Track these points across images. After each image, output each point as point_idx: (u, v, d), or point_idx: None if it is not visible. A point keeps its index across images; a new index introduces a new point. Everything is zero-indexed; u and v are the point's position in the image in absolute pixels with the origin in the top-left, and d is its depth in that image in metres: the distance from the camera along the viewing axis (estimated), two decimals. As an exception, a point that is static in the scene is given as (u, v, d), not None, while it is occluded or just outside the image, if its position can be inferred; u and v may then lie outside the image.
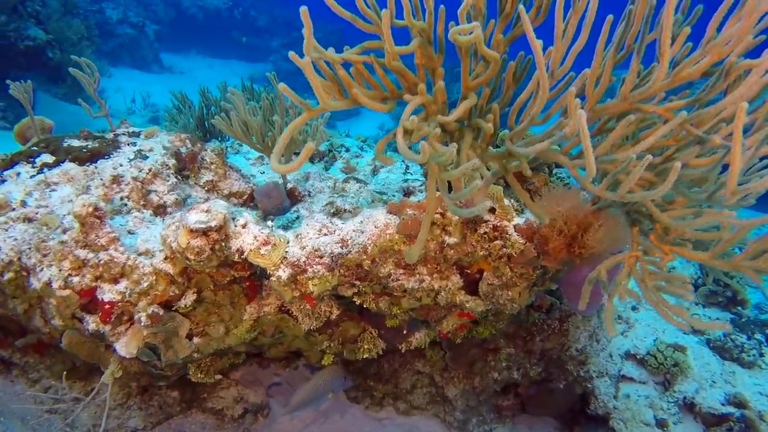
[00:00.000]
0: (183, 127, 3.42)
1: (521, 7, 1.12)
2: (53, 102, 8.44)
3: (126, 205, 2.00)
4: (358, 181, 2.49)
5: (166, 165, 2.16)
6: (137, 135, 2.37)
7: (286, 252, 1.67)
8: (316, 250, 1.68)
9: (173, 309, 1.82)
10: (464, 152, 1.34)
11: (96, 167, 2.11)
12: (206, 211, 1.62)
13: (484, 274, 1.80)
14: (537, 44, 1.11)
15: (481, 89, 1.49)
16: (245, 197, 2.38)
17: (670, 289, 1.31)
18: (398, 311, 1.87)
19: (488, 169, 1.53)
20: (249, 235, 1.66)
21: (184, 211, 1.64)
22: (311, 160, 3.01)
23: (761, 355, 3.32)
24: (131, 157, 2.15)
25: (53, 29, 7.64)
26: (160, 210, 2.05)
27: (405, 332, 2.02)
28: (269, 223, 1.81)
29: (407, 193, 2.26)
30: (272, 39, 17.82)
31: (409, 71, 1.31)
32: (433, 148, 1.17)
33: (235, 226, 1.67)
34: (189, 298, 1.78)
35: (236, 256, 1.66)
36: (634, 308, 3.63)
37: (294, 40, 16.87)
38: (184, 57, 15.23)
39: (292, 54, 1.13)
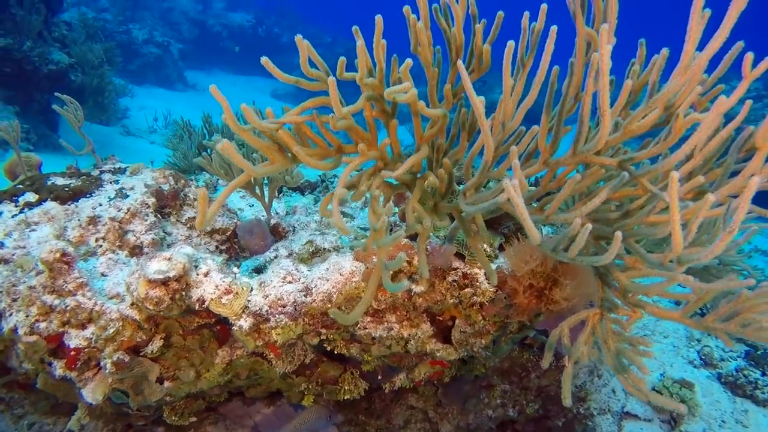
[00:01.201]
0: (183, 154, 3.45)
1: (459, 62, 1.07)
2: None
3: (101, 246, 1.99)
4: (344, 215, 2.45)
5: (146, 204, 2.16)
6: (122, 171, 2.37)
7: (248, 301, 1.64)
8: (279, 299, 1.64)
9: (141, 354, 1.80)
10: (411, 205, 1.29)
11: (77, 206, 2.12)
12: (168, 260, 1.60)
13: (456, 321, 1.75)
14: (477, 102, 1.06)
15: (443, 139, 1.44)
16: (229, 233, 2.37)
17: (630, 355, 1.23)
18: (369, 358, 1.81)
19: (451, 220, 1.48)
20: (210, 284, 1.63)
21: (145, 259, 1.63)
22: (302, 191, 2.99)
23: (776, 392, 3.17)
24: (111, 196, 2.15)
25: (76, 53, 7.84)
26: (136, 251, 2.04)
27: (380, 377, 1.96)
28: (235, 269, 1.79)
29: (392, 230, 2.21)
30: (295, 56, 17.96)
31: (359, 127, 1.28)
32: (372, 212, 1.13)
33: (197, 274, 1.65)
34: (156, 344, 1.76)
35: (197, 306, 1.63)
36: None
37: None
38: (207, 74, 15.49)
39: (224, 117, 1.11)
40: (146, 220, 2.11)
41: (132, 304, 1.73)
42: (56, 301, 1.71)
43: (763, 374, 3.21)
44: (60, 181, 2.25)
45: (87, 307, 1.72)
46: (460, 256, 1.68)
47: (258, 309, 1.63)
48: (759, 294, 1.25)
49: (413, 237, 1.62)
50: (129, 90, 9.90)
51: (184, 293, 1.62)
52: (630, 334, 1.29)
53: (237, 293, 1.63)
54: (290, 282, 1.68)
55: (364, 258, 1.66)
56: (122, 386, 1.79)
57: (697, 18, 0.90)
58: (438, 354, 1.74)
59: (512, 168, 1.01)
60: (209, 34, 16.30)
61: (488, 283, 1.65)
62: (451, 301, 1.67)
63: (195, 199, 2.35)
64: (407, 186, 1.42)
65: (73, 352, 1.72)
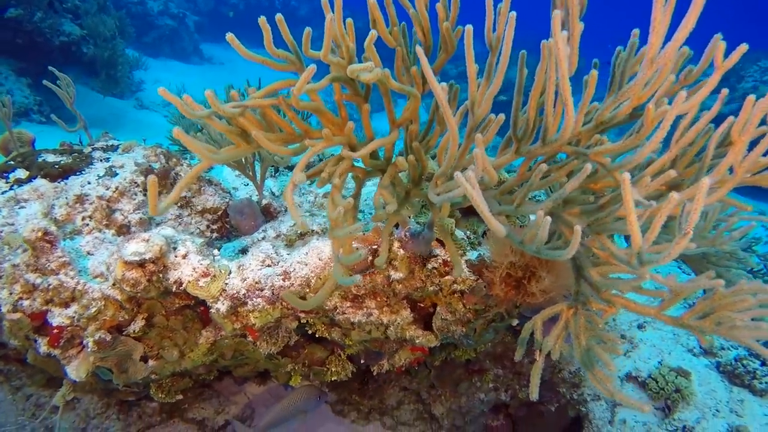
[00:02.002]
0: (185, 130, 3.44)
1: (418, 48, 1.03)
2: (91, 94, 8.69)
3: (88, 224, 2.00)
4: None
5: (135, 182, 2.15)
6: (114, 149, 2.37)
7: (226, 284, 1.64)
8: (256, 283, 1.64)
9: (124, 333, 1.81)
10: (378, 191, 1.27)
11: (66, 184, 2.12)
12: (146, 241, 1.60)
13: (437, 308, 1.73)
14: (438, 90, 1.02)
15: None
16: (220, 213, 2.36)
17: (598, 351, 1.21)
18: (351, 342, 1.81)
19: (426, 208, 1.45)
20: (188, 266, 1.63)
21: (123, 240, 1.63)
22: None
23: (776, 382, 3.12)
24: (101, 174, 2.15)
25: (87, 25, 7.82)
26: (123, 230, 2.04)
27: (363, 361, 1.96)
28: (215, 252, 1.78)
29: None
30: (313, 29, 17.84)
31: (328, 111, 1.25)
32: (330, 201, 1.11)
33: (176, 256, 1.64)
34: (138, 324, 1.77)
35: (175, 288, 1.63)
36: (640, 327, 3.46)
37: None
38: (224, 48, 15.39)
39: (185, 102, 1.08)
40: (134, 199, 2.11)
41: (114, 284, 1.74)
42: (39, 280, 1.72)
43: (763, 364, 3.16)
44: (51, 158, 2.25)
45: (69, 286, 1.73)
46: (441, 243, 1.65)
47: (235, 292, 1.63)
48: (735, 291, 1.22)
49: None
50: (143, 63, 9.88)
51: (161, 275, 1.61)
52: (603, 329, 1.26)
53: (215, 276, 1.63)
54: (269, 265, 1.67)
55: (344, 245, 1.64)
56: (106, 364, 1.81)
57: (660, 8, 0.85)
58: (418, 341, 1.73)
59: (474, 157, 0.98)
60: (225, 6, 16.18)
61: (469, 271, 1.63)
62: (432, 288, 1.65)
63: (186, 178, 2.34)
64: (381, 172, 1.39)
65: (56, 330, 1.73)
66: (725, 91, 1.03)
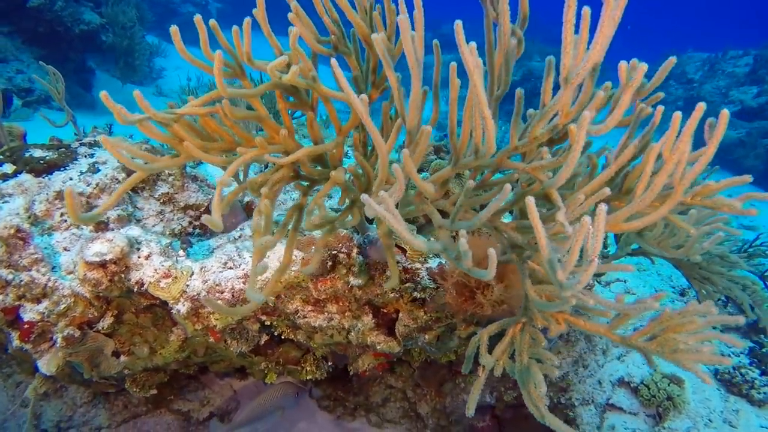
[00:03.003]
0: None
1: (333, 61, 1.02)
2: (111, 81, 8.82)
3: (66, 221, 2.03)
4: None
5: (116, 179, 2.18)
6: (100, 145, 2.40)
7: (187, 285, 1.65)
8: (217, 285, 1.64)
9: (95, 330, 1.84)
10: (314, 200, 1.26)
11: (50, 179, 2.16)
12: (109, 241, 1.62)
13: (400, 315, 1.72)
14: (356, 102, 1.01)
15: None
16: (203, 209, 2.38)
17: (534, 370, 1.18)
18: (315, 345, 1.81)
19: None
20: (150, 267, 1.64)
21: (87, 240, 1.65)
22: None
23: (775, 392, 3.04)
24: (84, 170, 2.18)
25: (107, 14, 7.93)
26: (101, 226, 2.07)
27: (329, 363, 1.96)
28: (180, 252, 1.79)
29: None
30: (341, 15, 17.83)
31: (271, 120, 1.24)
32: (256, 211, 1.10)
33: (138, 257, 1.66)
34: (107, 321, 1.80)
35: (136, 288, 1.65)
36: (636, 330, 3.40)
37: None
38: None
39: (118, 112, 1.09)
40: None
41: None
42: (10, 276, 1.75)
43: (762, 373, 3.07)
44: (38, 153, 2.29)
45: (40, 282, 1.76)
46: (402, 249, 1.64)
47: (196, 294, 1.64)
48: (682, 313, 1.18)
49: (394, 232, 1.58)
50: (163, 50, 9.98)
51: (123, 276, 1.63)
52: (544, 347, 1.23)
53: (176, 277, 1.64)
54: (230, 268, 1.68)
55: (304, 246, 1.64)
56: (77, 359, 1.85)
57: (570, 30, 0.82)
58: (379, 347, 1.72)
59: (394, 171, 0.96)
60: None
61: (429, 279, 1.61)
62: (392, 295, 1.64)
63: (170, 174, 2.36)
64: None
65: (26, 326, 1.77)
66: (661, 108, 1.00)
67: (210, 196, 2.39)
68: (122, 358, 1.92)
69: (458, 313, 1.56)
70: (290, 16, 1.21)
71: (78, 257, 1.67)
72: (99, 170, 2.18)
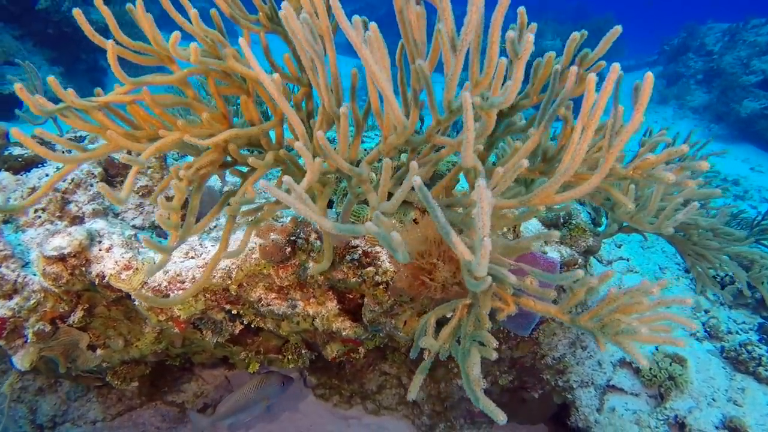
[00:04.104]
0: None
1: (241, 39, 0.98)
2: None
3: (40, 217, 2.03)
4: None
5: (92, 174, 2.17)
6: (81, 140, 2.40)
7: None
8: (178, 275, 1.63)
9: (68, 324, 1.85)
10: (242, 187, 1.23)
11: (27, 176, 2.17)
12: (69, 235, 1.61)
13: (365, 299, 1.68)
14: (268, 81, 0.97)
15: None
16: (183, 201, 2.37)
17: (473, 352, 1.14)
18: (284, 333, 1.79)
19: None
20: (111, 259, 1.64)
21: (48, 235, 1.65)
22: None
23: (784, 369, 2.93)
24: (60, 165, 2.18)
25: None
26: (76, 221, 2.07)
27: (303, 351, 1.94)
28: (143, 244, 1.78)
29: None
30: (348, 5, 17.81)
31: (203, 105, 1.21)
32: (161, 202, 1.08)
33: (100, 249, 1.65)
34: (77, 315, 1.80)
35: (97, 281, 1.65)
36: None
37: (366, 5, 16.66)
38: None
39: (35, 100, 1.07)
40: (89, 191, 2.14)
41: (51, 276, 1.77)
42: (-20, 273, 1.77)
43: (769, 350, 2.97)
44: (18, 150, 2.30)
45: (10, 278, 1.77)
46: (363, 233, 1.60)
47: (157, 285, 1.63)
48: (629, 293, 1.13)
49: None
50: (172, 47, 10.01)
51: (84, 269, 1.63)
52: (488, 329, 1.19)
53: (137, 269, 1.63)
54: (192, 258, 1.67)
55: (265, 234, 1.62)
56: (51, 353, 1.86)
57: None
58: (344, 333, 1.69)
59: (302, 154, 0.93)
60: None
61: (389, 263, 1.58)
62: (354, 280, 1.61)
63: (149, 167, 2.35)
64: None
65: (-1, 321, 1.78)
66: (591, 77, 0.94)
67: (190, 189, 2.38)
68: (98, 351, 1.92)
69: (416, 297, 1.52)
70: (211, -5, 1.17)
71: (38, 252, 1.67)
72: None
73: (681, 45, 12.20)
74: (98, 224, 1.74)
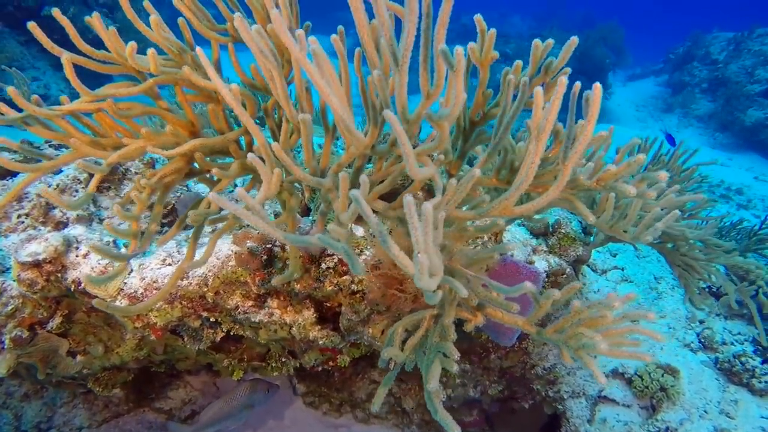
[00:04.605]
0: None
1: (198, 49, 0.97)
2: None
3: (24, 222, 2.04)
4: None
5: (77, 179, 2.18)
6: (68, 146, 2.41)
7: (125, 283, 1.64)
8: (154, 282, 1.63)
9: (48, 330, 1.84)
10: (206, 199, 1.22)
11: (12, 182, 2.17)
12: (45, 241, 1.61)
13: (342, 308, 1.67)
14: (224, 90, 0.97)
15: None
16: (170, 207, 2.37)
17: (436, 364, 1.12)
18: (263, 341, 1.78)
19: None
20: (87, 265, 1.64)
21: (24, 240, 1.65)
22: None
23: (779, 381, 2.89)
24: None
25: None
26: (60, 227, 2.07)
27: (284, 360, 1.93)
28: (123, 250, 1.78)
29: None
30: (349, 26, 17.93)
31: (173, 115, 1.21)
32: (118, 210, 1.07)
33: (76, 255, 1.65)
34: (56, 321, 1.80)
35: (73, 287, 1.64)
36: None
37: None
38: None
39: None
40: (75, 196, 2.14)
41: (30, 282, 1.77)
42: (-41, 278, 1.77)
43: (764, 362, 2.93)
44: (6, 155, 2.31)
45: (-11, 283, 1.77)
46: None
47: (133, 291, 1.62)
48: (592, 306, 1.11)
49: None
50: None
51: (59, 275, 1.63)
52: (452, 340, 1.17)
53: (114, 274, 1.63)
54: (169, 264, 1.66)
55: (241, 241, 1.61)
56: (30, 360, 1.86)
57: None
58: (321, 342, 1.68)
59: (258, 168, 0.92)
60: None
61: (366, 272, 1.57)
62: (331, 288, 1.60)
63: (137, 173, 2.36)
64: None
65: (-23, 327, 1.78)
66: (538, 90, 0.93)
67: (178, 194, 2.38)
68: (78, 357, 1.92)
69: (391, 307, 1.51)
70: (175, 2, 1.17)
71: (13, 258, 1.67)
72: (61, 171, 2.19)
73: (686, 54, 12.16)
74: (76, 230, 1.74)
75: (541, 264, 2.35)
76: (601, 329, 1.12)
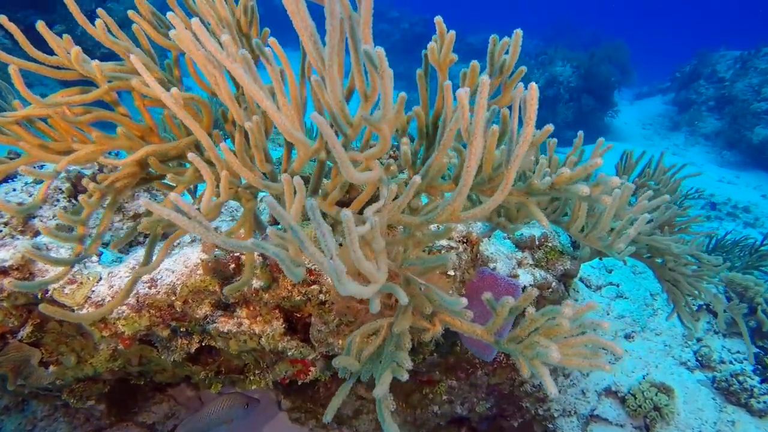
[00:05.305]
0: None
1: (132, 56, 0.96)
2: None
3: (1, 231, 2.03)
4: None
5: (59, 189, 2.18)
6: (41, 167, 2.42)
7: (93, 291, 1.62)
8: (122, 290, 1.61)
9: (19, 340, 1.83)
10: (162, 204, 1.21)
11: (-6, 191, 2.18)
12: (13, 248, 1.61)
13: (312, 319, 1.65)
14: (168, 100, 0.95)
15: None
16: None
17: (386, 373, 1.09)
18: (234, 352, 1.75)
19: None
20: (54, 273, 1.62)
21: (-5, 248, 1.64)
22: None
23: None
24: (29, 180, 2.19)
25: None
26: (39, 236, 2.07)
27: (257, 372, 1.90)
28: (94, 258, 1.77)
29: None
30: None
31: (128, 119, 1.20)
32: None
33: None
34: (27, 330, 1.78)
35: (40, 295, 1.63)
36: (627, 337, 3.22)
37: (379, 31, 16.84)
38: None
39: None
40: (56, 206, 2.14)
41: (1, 290, 1.76)
42: (-69, 286, 1.76)
43: (762, 381, 2.85)
44: (-10, 166, 2.32)
45: (-41, 292, 1.76)
46: (308, 250, 1.57)
47: (101, 300, 1.61)
48: (544, 314, 1.08)
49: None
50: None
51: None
52: (406, 349, 1.14)
53: (81, 283, 1.62)
54: (138, 273, 1.64)
55: (209, 249, 1.59)
56: (1, 370, 1.84)
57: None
58: (290, 353, 1.65)
59: (200, 168, 0.90)
60: (277, 10, 16.49)
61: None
62: (299, 298, 1.57)
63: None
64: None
65: (-52, 336, 1.77)
66: (460, 93, 0.90)
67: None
68: (51, 368, 1.90)
69: (357, 318, 1.48)
70: (130, 14, 1.17)
71: (-16, 265, 1.66)
72: (43, 180, 2.19)
73: (693, 72, 12.13)
74: (47, 238, 1.73)
75: (526, 277, 2.31)
76: (560, 339, 1.08)
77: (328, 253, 0.72)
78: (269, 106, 0.82)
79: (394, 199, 1.00)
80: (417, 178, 0.87)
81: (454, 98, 0.89)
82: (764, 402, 2.77)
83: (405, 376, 1.05)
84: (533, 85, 0.79)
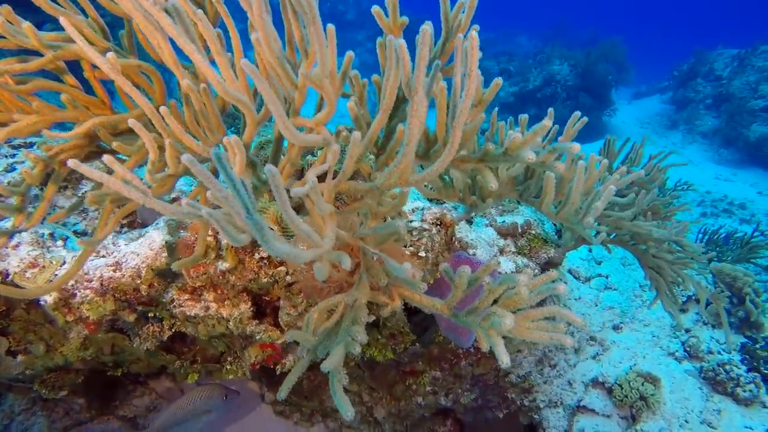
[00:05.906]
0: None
1: (62, 19, 0.93)
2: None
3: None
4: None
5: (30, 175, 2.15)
6: (30, 146, 2.39)
7: (55, 275, 1.59)
8: (85, 274, 1.58)
9: (-14, 327, 1.80)
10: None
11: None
12: (-29, 231, 1.57)
13: (281, 302, 1.61)
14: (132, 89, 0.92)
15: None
16: (129, 207, 2.33)
17: (339, 347, 1.05)
18: (204, 337, 1.72)
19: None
20: (16, 257, 1.59)
21: (-45, 232, 1.61)
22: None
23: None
24: (0, 169, 2.17)
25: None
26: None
27: (230, 359, 1.86)
28: (59, 242, 1.74)
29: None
30: (359, 32, 18.14)
31: (79, 92, 1.17)
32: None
33: (6, 247, 1.61)
34: (-8, 317, 1.75)
35: (1, 279, 1.60)
36: (615, 328, 3.18)
37: (379, 32, 16.85)
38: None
39: None
40: (26, 195, 2.11)
41: (-34, 277, 1.73)
42: None
43: (749, 370, 2.82)
44: (-39, 154, 2.29)
45: None
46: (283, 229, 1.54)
47: (64, 285, 1.57)
48: (502, 283, 1.04)
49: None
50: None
51: (-12, 266, 1.59)
52: (361, 326, 1.11)
53: (44, 267, 1.59)
54: (102, 256, 1.61)
55: (174, 232, 1.56)
56: (-32, 358, 1.81)
57: None
58: (258, 336, 1.62)
59: (141, 135, 0.87)
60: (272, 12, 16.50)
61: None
62: (266, 280, 1.54)
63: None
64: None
65: None
66: (426, 32, 0.88)
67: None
68: (19, 357, 1.86)
69: (323, 298, 1.44)
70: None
71: (-53, 249, 1.63)
72: (15, 169, 2.16)
73: (690, 70, 12.10)
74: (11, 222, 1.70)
75: (508, 265, 2.28)
76: (521, 313, 1.05)
77: (244, 208, 0.69)
78: (199, 59, 0.79)
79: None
80: (356, 134, 0.84)
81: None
82: (750, 391, 2.73)
83: (357, 350, 1.02)
84: (473, 33, 0.76)
